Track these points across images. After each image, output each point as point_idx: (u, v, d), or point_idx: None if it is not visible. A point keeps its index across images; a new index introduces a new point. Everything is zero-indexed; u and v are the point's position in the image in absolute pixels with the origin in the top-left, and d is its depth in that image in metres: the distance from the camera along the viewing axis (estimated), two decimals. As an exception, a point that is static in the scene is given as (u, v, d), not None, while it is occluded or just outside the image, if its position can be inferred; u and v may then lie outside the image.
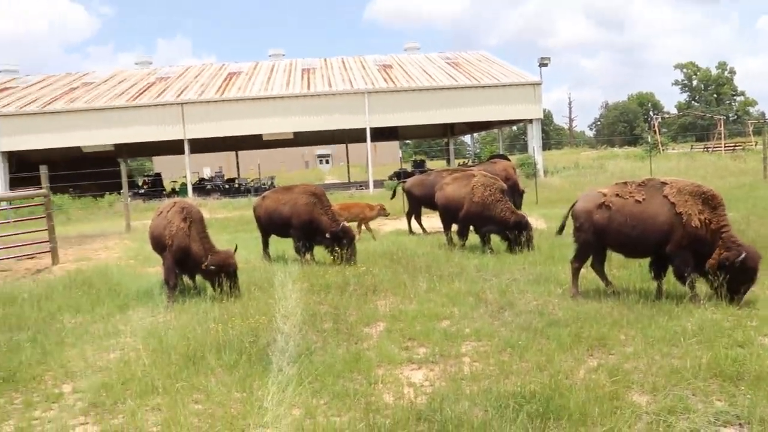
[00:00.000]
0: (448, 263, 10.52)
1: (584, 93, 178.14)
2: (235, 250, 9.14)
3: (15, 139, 31.57)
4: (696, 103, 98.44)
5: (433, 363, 5.96)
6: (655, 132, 51.62)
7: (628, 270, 9.04)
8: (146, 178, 42.96)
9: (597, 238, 7.98)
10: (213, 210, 23.13)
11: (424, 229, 15.55)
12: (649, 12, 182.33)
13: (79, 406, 5.38)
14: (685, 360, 5.47)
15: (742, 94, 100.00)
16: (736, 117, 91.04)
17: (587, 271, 8.49)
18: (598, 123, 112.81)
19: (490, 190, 11.84)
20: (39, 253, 13.77)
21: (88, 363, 6.51)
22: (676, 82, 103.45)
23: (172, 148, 36.94)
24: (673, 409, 4.59)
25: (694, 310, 6.91)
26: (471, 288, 8.61)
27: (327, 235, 11.17)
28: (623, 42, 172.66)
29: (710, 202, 7.39)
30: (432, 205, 14.18)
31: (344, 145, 48.63)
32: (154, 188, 36.69)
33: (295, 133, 34.78)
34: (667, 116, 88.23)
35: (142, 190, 36.07)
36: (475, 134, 57.10)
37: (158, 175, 42.89)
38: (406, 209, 16.23)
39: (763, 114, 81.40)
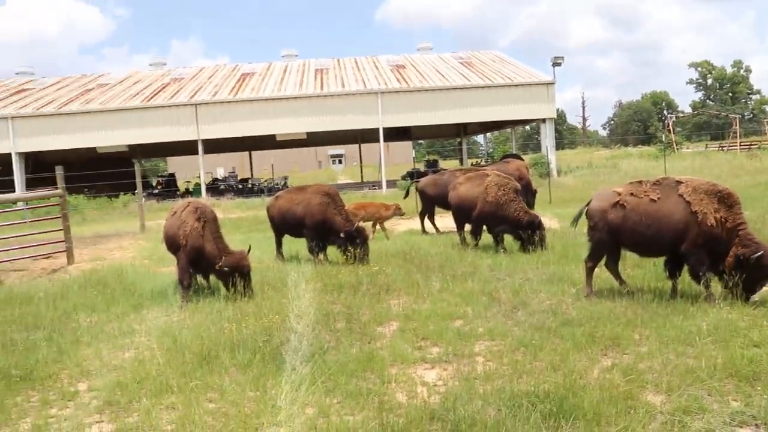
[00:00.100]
0: (462, 263, 10.50)
1: (598, 92, 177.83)
2: (249, 250, 9.18)
3: (32, 140, 31.83)
4: (711, 102, 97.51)
5: (447, 362, 5.96)
6: (669, 131, 51.18)
7: (642, 269, 8.98)
8: (160, 179, 43.36)
9: (611, 237, 7.94)
10: (226, 210, 23.22)
11: (437, 228, 15.54)
12: (662, 11, 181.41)
13: (94, 404, 5.44)
14: (701, 360, 5.42)
15: (758, 92, 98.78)
16: (752, 116, 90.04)
17: (601, 271, 8.44)
18: (612, 122, 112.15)
19: (503, 190, 11.81)
20: (55, 252, 13.92)
21: (103, 362, 6.58)
22: (691, 81, 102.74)
23: (186, 148, 37.24)
24: (688, 409, 4.56)
25: (709, 309, 6.86)
26: (484, 287, 8.59)
27: (341, 235, 11.21)
28: (637, 41, 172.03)
29: (726, 200, 7.32)
30: (445, 205, 14.16)
31: (357, 145, 48.70)
32: (168, 188, 36.97)
33: (309, 134, 34.78)
34: (682, 115, 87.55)
35: (157, 191, 36.33)
36: (488, 134, 56.90)
37: (172, 175, 43.22)
38: (420, 209, 16.23)
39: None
